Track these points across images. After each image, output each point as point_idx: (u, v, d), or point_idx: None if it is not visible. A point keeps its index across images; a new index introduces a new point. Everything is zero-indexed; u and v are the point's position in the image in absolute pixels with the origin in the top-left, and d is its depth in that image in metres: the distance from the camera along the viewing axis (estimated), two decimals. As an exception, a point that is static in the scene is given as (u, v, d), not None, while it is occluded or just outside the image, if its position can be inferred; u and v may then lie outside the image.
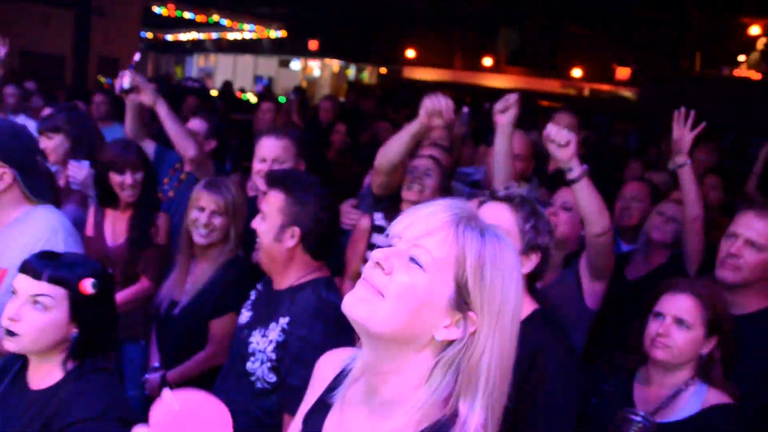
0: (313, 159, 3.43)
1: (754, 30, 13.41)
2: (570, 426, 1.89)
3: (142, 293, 3.13)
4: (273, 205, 2.16)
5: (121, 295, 3.03)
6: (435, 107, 2.67)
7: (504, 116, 2.86)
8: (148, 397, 2.76)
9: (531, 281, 1.98)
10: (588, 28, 15.27)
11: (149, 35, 19.52)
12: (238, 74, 22.25)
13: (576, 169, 2.41)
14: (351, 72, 21.97)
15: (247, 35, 20.51)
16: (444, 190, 3.03)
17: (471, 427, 1.06)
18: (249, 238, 2.82)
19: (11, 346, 1.78)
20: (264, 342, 2.11)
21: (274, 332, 2.10)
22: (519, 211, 1.93)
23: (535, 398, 1.79)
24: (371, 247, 3.03)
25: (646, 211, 3.37)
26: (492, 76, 17.36)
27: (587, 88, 15.89)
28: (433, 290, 1.07)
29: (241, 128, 6.93)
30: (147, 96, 3.51)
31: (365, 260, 3.06)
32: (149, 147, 3.85)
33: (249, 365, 2.13)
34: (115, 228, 3.20)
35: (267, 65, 22.96)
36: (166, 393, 1.12)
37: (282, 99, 7.86)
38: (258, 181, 3.01)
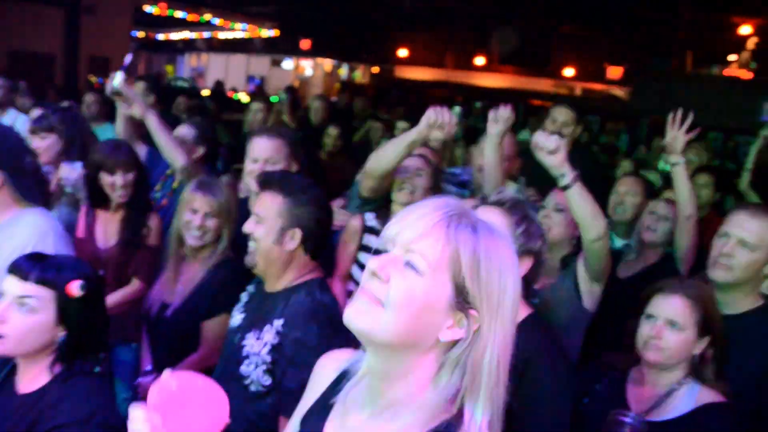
0: (305, 159, 3.42)
1: (745, 29, 13.48)
2: (563, 430, 1.89)
3: (134, 295, 3.11)
4: (271, 207, 2.14)
5: (113, 297, 3.01)
6: (438, 120, 2.65)
7: (495, 126, 2.86)
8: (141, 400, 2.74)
9: (524, 286, 1.97)
10: (580, 27, 15.31)
11: (140, 34, 19.43)
12: (230, 74, 22.19)
13: (567, 175, 2.40)
14: (343, 71, 21.94)
15: (239, 34, 20.45)
16: (435, 189, 3.02)
17: (476, 425, 1.06)
18: (240, 240, 2.82)
19: None
20: (258, 345, 2.10)
21: (269, 334, 2.09)
22: (511, 215, 1.93)
23: (528, 403, 1.79)
24: (363, 248, 3.01)
25: (641, 206, 3.37)
26: (484, 75, 17.38)
27: (579, 87, 15.93)
28: (432, 293, 1.07)
29: (233, 128, 6.90)
30: (137, 108, 3.52)
31: (356, 261, 3.05)
32: (141, 151, 3.83)
33: (243, 368, 2.11)
34: (107, 229, 3.18)
35: (259, 65, 22.90)
36: (166, 373, 1.12)
37: (274, 99, 7.84)
38: (250, 182, 2.99)
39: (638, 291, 2.26)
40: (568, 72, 16.37)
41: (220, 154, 4.38)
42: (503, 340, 1.09)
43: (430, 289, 1.06)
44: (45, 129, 3.49)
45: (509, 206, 1.95)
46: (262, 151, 2.96)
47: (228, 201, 2.81)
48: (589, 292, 2.66)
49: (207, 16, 18.29)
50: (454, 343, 1.09)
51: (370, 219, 3.03)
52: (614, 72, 15.07)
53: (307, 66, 22.17)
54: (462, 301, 1.07)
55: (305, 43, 19.98)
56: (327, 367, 1.31)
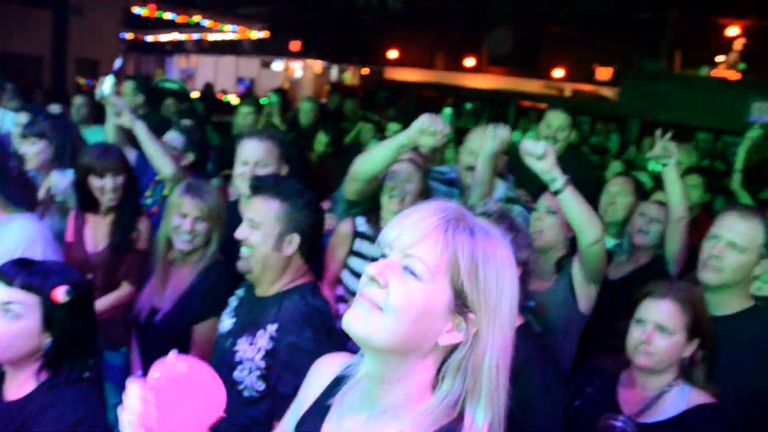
0: (295, 162, 3.41)
1: (732, 31, 13.56)
2: None
3: (123, 299, 3.10)
4: (268, 213, 2.13)
5: (102, 302, 3.00)
6: (431, 127, 2.62)
7: (491, 143, 2.83)
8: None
9: None
10: (569, 28, 15.37)
11: (129, 36, 19.32)
12: (220, 75, 22.10)
13: (558, 180, 2.40)
14: (333, 73, 21.91)
15: (229, 36, 20.38)
16: (425, 195, 2.99)
17: (478, 430, 1.06)
18: (229, 243, 2.80)
19: None
20: (252, 350, 2.08)
21: (263, 340, 2.08)
22: (497, 226, 1.92)
23: (519, 411, 1.78)
24: (354, 253, 2.98)
25: (632, 206, 3.38)
26: (474, 77, 17.39)
27: (569, 88, 15.97)
28: (432, 298, 1.07)
29: (223, 130, 6.87)
30: (126, 119, 3.52)
31: (346, 266, 3.02)
32: (131, 155, 3.82)
33: (236, 374, 2.10)
34: (96, 233, 3.16)
35: (249, 66, 22.83)
36: (172, 354, 1.11)
37: (264, 101, 7.81)
38: (240, 185, 2.98)
39: (628, 293, 2.27)
40: (558, 73, 16.40)
41: (210, 157, 4.36)
42: (502, 344, 1.09)
43: (429, 293, 1.06)
44: (35, 134, 3.47)
45: (495, 217, 1.95)
46: (252, 154, 2.95)
47: (217, 204, 2.79)
48: (585, 294, 2.66)
49: (196, 18, 18.21)
50: (453, 347, 1.09)
51: (361, 224, 3.00)
52: (603, 73, 15.11)
53: (297, 68, 22.12)
54: (461, 304, 1.07)
55: (295, 45, 19.93)
56: (322, 371, 1.31)
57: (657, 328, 2.08)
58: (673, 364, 2.11)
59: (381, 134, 5.70)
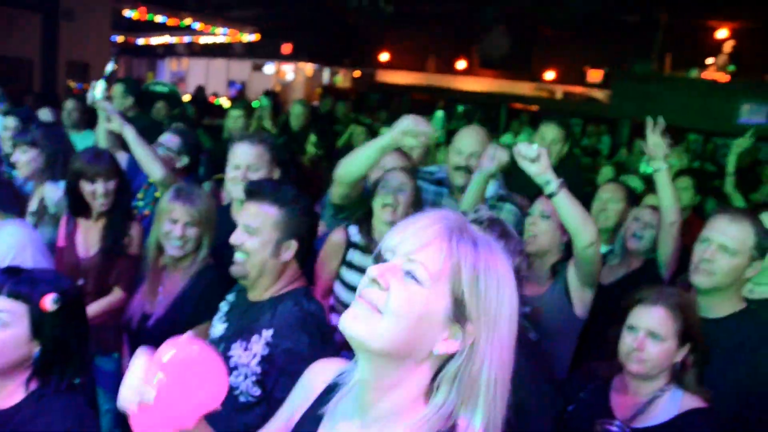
0: (286, 165, 3.40)
1: (722, 33, 13.65)
2: None
3: (115, 304, 3.08)
4: (266, 219, 2.12)
5: (94, 307, 2.98)
6: (413, 129, 2.61)
7: (490, 164, 2.81)
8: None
9: None
10: (560, 31, 15.41)
11: (120, 39, 19.27)
12: (211, 78, 22.06)
13: (552, 183, 2.39)
14: (325, 76, 21.91)
15: (220, 39, 20.34)
16: (417, 204, 2.98)
17: (474, 430, 1.06)
18: (219, 246, 2.78)
19: None
20: (247, 355, 2.07)
21: (258, 345, 2.06)
22: (489, 233, 1.92)
23: (513, 417, 1.78)
24: (346, 264, 2.94)
25: (624, 213, 3.39)
26: (466, 79, 17.42)
27: (560, 91, 16.01)
28: (431, 304, 1.06)
29: (214, 134, 6.86)
30: (114, 123, 3.51)
31: (338, 277, 2.99)
32: (122, 158, 3.81)
33: (231, 379, 2.08)
34: (88, 238, 3.15)
35: (240, 69, 22.79)
36: (187, 336, 1.12)
37: (255, 104, 7.79)
38: (233, 189, 2.97)
39: (621, 297, 2.27)
40: (549, 75, 16.45)
41: (201, 160, 4.35)
42: (500, 357, 1.08)
43: (429, 299, 1.06)
44: (27, 143, 3.46)
45: (487, 224, 1.94)
46: (244, 158, 2.94)
47: (207, 208, 2.77)
48: (581, 299, 2.66)
49: (187, 21, 18.16)
50: (448, 357, 1.09)
51: (354, 233, 2.97)
52: (594, 75, 15.16)
53: (289, 70, 22.10)
54: (459, 313, 1.07)
55: (286, 48, 19.91)
56: (315, 378, 1.31)
57: (649, 334, 2.09)
58: (665, 370, 2.12)
59: (373, 137, 5.69)
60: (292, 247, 2.15)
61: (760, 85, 11.64)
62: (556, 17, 13.88)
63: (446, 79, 17.50)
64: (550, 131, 4.04)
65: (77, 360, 1.82)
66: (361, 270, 2.88)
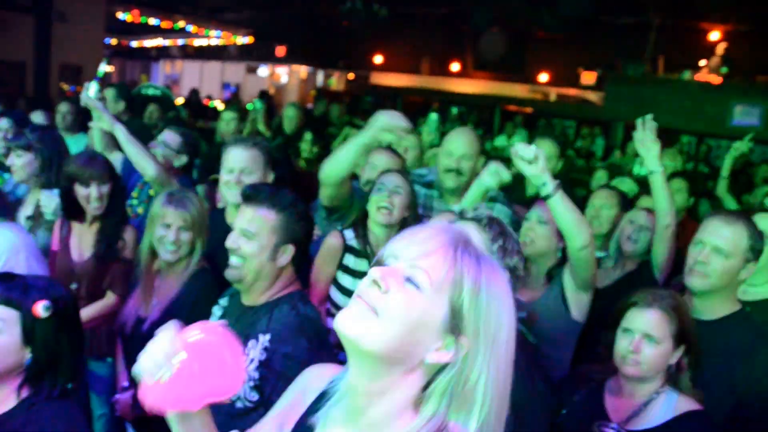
0: (280, 168, 3.39)
1: (714, 35, 13.72)
2: None
3: (108, 309, 3.07)
4: (264, 224, 2.12)
5: (87, 311, 2.96)
6: (389, 124, 2.62)
7: (490, 179, 2.81)
8: (118, 417, 2.69)
9: None
10: (554, 33, 15.45)
11: (113, 42, 19.22)
12: (205, 81, 22.02)
13: (548, 185, 2.40)
14: (319, 78, 21.90)
15: (214, 41, 20.32)
16: (413, 207, 2.98)
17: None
18: (212, 250, 2.78)
19: None
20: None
21: (255, 350, 2.05)
22: (487, 231, 1.92)
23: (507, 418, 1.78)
24: (342, 268, 2.93)
25: (617, 218, 3.40)
26: (460, 81, 17.44)
27: (554, 93, 16.05)
28: (428, 312, 1.06)
29: (208, 137, 6.85)
30: (104, 122, 3.50)
31: (333, 281, 2.98)
32: (117, 159, 3.80)
33: None
34: (82, 242, 3.14)
35: (234, 72, 22.76)
36: (221, 321, 1.15)
37: (250, 106, 7.78)
38: (227, 193, 2.96)
39: (616, 300, 2.28)
40: (543, 77, 16.48)
41: (195, 163, 4.34)
42: (497, 373, 1.08)
43: (427, 306, 1.06)
44: (22, 147, 3.44)
45: (486, 222, 1.94)
46: (238, 162, 2.93)
47: (200, 212, 2.77)
48: (577, 302, 2.66)
49: (181, 23, 18.13)
50: (439, 368, 1.08)
51: (350, 238, 2.96)
52: (588, 77, 15.19)
53: (283, 73, 22.08)
54: (455, 325, 1.07)
55: (280, 50, 19.89)
56: (312, 381, 1.31)
57: (644, 337, 2.10)
58: (660, 372, 2.12)
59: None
60: (288, 252, 2.15)
61: (753, 87, 11.71)
62: (549, 20, 13.92)
63: (440, 81, 17.51)
64: (546, 147, 4.04)
65: (70, 366, 1.81)
66: (357, 274, 2.87)
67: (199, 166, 4.91)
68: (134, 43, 20.86)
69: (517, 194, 3.77)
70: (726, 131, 11.04)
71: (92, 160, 3.12)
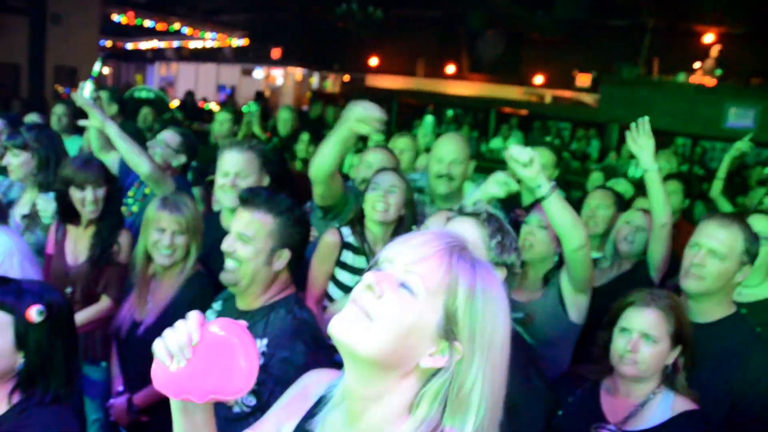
0: (276, 171, 3.38)
1: (708, 38, 13.78)
2: None
3: (103, 313, 3.05)
4: (260, 228, 2.11)
5: (82, 315, 2.95)
6: (365, 115, 2.63)
7: (494, 189, 2.78)
8: (113, 422, 2.68)
9: None
10: (549, 35, 15.50)
11: (108, 44, 19.20)
12: (200, 83, 22.01)
13: (543, 187, 2.39)
14: (315, 80, 21.91)
15: (209, 43, 20.31)
16: (409, 205, 2.97)
17: None
18: (206, 253, 2.77)
19: None
20: None
21: None
22: (485, 227, 1.92)
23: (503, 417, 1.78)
24: (340, 264, 2.94)
25: (613, 219, 3.40)
26: (455, 83, 17.47)
27: (549, 95, 16.09)
28: (422, 316, 1.06)
29: (203, 139, 6.84)
30: (95, 120, 3.48)
31: (331, 277, 2.98)
32: (114, 159, 3.78)
33: None
34: (77, 246, 3.12)
35: (229, 74, 22.75)
36: (244, 323, 1.15)
37: (245, 109, 7.77)
38: (222, 196, 2.95)
39: (612, 299, 2.28)
40: (538, 80, 16.53)
41: (190, 166, 4.33)
42: (492, 379, 1.08)
43: (421, 311, 1.06)
44: (18, 146, 3.42)
45: (485, 218, 1.94)
46: (233, 165, 2.93)
47: (194, 215, 2.76)
48: (575, 304, 2.66)
49: (176, 26, 18.12)
50: (433, 372, 1.08)
51: (347, 235, 2.96)
52: (583, 79, 15.24)
53: (278, 75, 22.08)
54: (449, 330, 1.06)
55: (276, 52, 19.90)
56: (310, 387, 1.31)
57: (642, 336, 2.10)
58: (657, 372, 2.12)
59: (363, 142, 5.68)
60: (284, 257, 2.14)
61: (747, 89, 11.76)
62: (544, 23, 13.97)
63: (435, 83, 17.55)
64: (542, 156, 4.03)
65: (63, 372, 1.79)
66: (355, 270, 2.88)
67: (194, 168, 4.90)
68: (129, 45, 20.85)
69: (512, 201, 3.75)
70: (720, 133, 11.09)
71: (88, 163, 3.11)
